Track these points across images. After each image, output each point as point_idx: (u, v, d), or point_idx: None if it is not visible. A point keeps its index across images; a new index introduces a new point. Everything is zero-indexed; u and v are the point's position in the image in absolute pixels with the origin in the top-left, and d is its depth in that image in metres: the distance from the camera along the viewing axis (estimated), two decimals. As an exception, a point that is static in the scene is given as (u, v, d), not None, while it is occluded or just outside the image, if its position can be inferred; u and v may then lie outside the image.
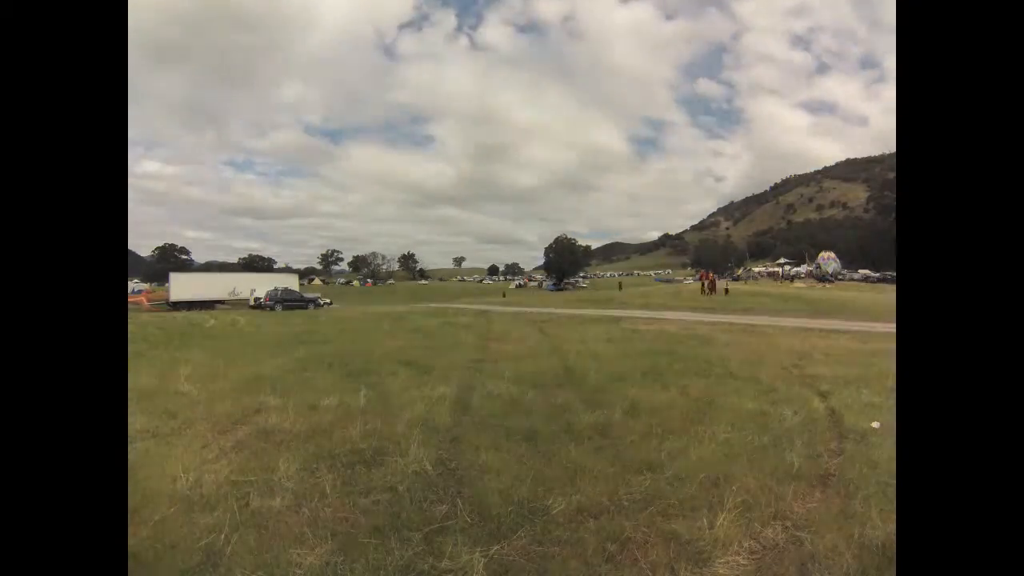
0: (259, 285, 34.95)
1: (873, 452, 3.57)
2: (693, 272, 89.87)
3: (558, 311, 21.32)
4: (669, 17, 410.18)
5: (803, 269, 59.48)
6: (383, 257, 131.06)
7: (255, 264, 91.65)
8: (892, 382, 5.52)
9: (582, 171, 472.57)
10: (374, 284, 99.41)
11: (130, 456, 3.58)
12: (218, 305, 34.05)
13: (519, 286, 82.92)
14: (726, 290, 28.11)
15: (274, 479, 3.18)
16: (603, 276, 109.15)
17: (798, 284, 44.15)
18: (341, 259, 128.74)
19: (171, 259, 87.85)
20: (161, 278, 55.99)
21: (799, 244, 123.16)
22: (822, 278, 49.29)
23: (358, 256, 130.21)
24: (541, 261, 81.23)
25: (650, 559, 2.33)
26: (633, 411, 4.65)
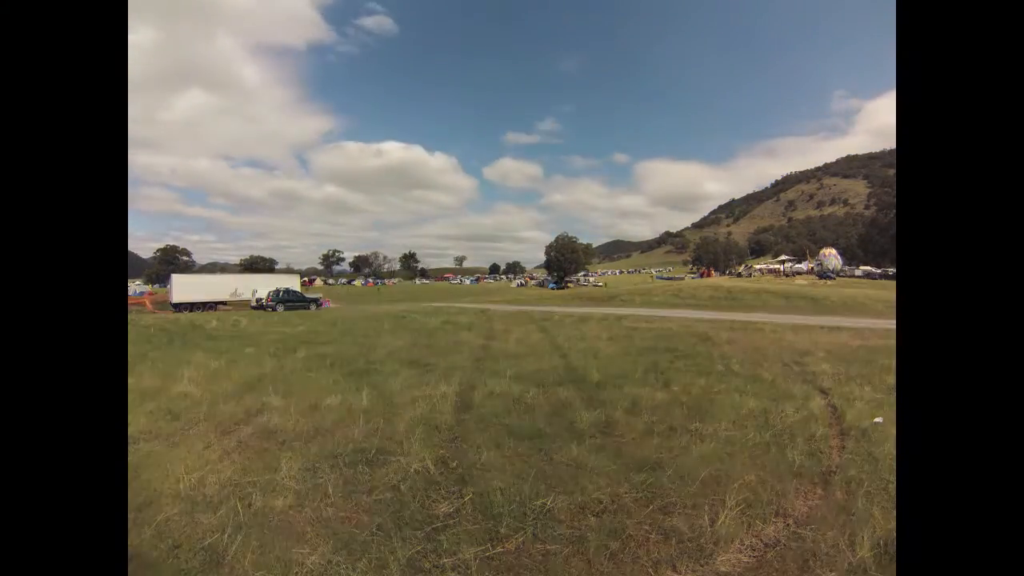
0: (260, 286, 34.98)
1: (875, 448, 3.57)
2: (694, 269, 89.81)
3: (559, 309, 21.31)
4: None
5: (804, 266, 59.31)
6: (384, 257, 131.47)
7: (256, 265, 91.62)
8: (893, 378, 5.51)
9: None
10: (376, 284, 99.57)
11: (133, 457, 3.60)
12: (220, 306, 34.08)
13: (520, 285, 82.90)
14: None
15: (276, 479, 3.19)
16: (605, 274, 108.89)
17: (799, 281, 44.01)
18: (342, 259, 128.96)
19: (173, 260, 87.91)
20: (163, 280, 56.07)
21: (800, 241, 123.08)
22: (823, 275, 49.16)
23: (359, 256, 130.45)
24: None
25: (652, 556, 2.33)
26: (634, 409, 4.65)
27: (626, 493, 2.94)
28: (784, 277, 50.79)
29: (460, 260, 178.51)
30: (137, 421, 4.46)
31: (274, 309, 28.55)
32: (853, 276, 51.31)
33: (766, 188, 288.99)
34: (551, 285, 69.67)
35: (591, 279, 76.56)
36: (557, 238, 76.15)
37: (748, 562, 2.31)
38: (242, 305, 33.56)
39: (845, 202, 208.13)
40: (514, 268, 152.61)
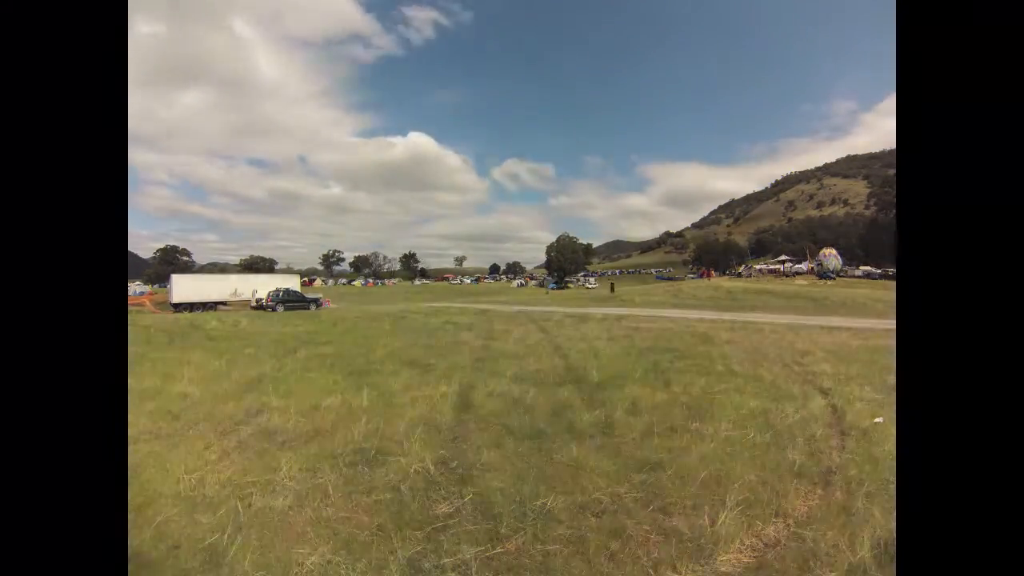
0: (260, 286, 34.96)
1: (875, 448, 3.57)
2: (694, 270, 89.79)
3: (559, 309, 21.30)
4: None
5: (804, 266, 59.29)
6: (384, 257, 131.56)
7: (256, 265, 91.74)
8: (893, 378, 5.52)
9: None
10: (376, 284, 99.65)
11: (133, 457, 3.60)
12: (220, 306, 34.06)
13: (520, 285, 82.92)
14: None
15: (276, 479, 3.19)
16: (604, 275, 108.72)
17: (799, 281, 43.96)
18: (342, 259, 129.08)
19: (173, 261, 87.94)
20: (163, 280, 56.14)
21: (800, 241, 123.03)
22: (823, 275, 49.18)
23: (359, 256, 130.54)
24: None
25: (652, 557, 2.33)
26: (634, 409, 4.65)
27: (626, 493, 2.94)
28: (784, 277, 50.75)
29: (460, 260, 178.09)
30: (137, 421, 4.46)
31: (274, 309, 28.54)
32: (853, 276, 51.33)
33: (766, 188, 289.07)
34: (551, 285, 69.73)
35: (591, 280, 76.25)
36: (558, 238, 76.34)
37: (748, 562, 2.31)
38: (242, 305, 33.54)
39: (845, 202, 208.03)
40: (514, 268, 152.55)
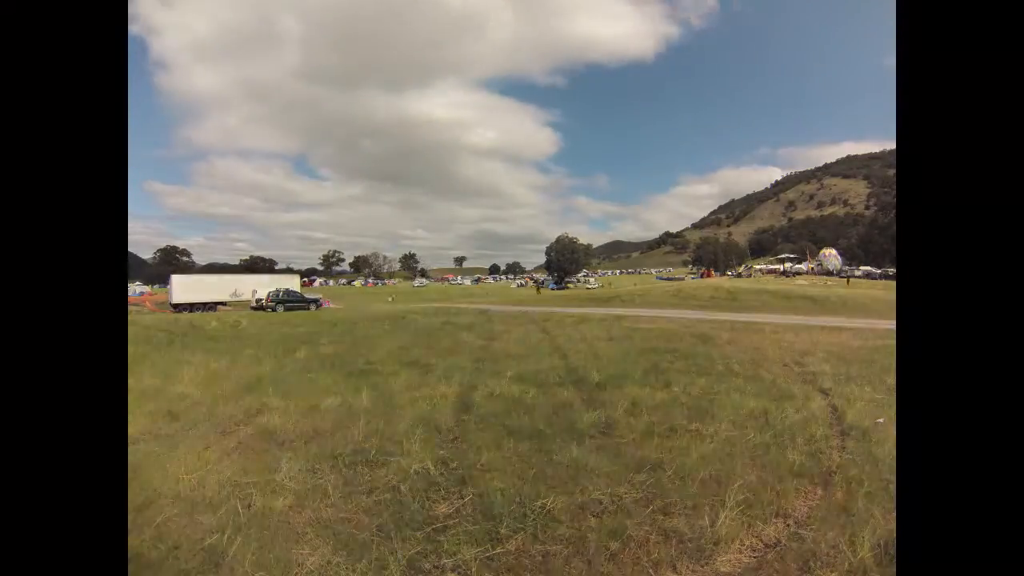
0: (260, 286, 34.97)
1: (875, 448, 3.57)
2: (694, 270, 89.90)
3: (559, 310, 21.29)
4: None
5: (804, 267, 59.37)
6: (384, 257, 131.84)
7: (256, 266, 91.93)
8: (893, 379, 5.51)
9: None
10: (376, 284, 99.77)
11: (133, 457, 3.59)
12: (219, 307, 34.06)
13: (520, 286, 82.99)
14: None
15: (276, 479, 3.19)
16: (604, 274, 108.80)
17: (799, 281, 43.89)
18: (342, 259, 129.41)
19: (173, 261, 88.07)
20: (163, 280, 56.14)
21: (800, 241, 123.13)
22: (829, 272, 49.38)
23: (359, 256, 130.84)
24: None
25: (652, 557, 2.33)
26: (634, 409, 4.65)
27: (626, 493, 2.94)
28: (784, 277, 50.80)
29: (460, 260, 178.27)
30: (137, 421, 4.46)
31: (274, 310, 28.56)
32: (853, 276, 51.39)
33: (766, 188, 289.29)
34: (551, 286, 69.76)
35: (591, 280, 76.16)
36: (557, 238, 76.39)
37: (748, 562, 2.31)
38: (242, 306, 33.53)
39: (845, 202, 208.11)
40: (514, 268, 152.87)
